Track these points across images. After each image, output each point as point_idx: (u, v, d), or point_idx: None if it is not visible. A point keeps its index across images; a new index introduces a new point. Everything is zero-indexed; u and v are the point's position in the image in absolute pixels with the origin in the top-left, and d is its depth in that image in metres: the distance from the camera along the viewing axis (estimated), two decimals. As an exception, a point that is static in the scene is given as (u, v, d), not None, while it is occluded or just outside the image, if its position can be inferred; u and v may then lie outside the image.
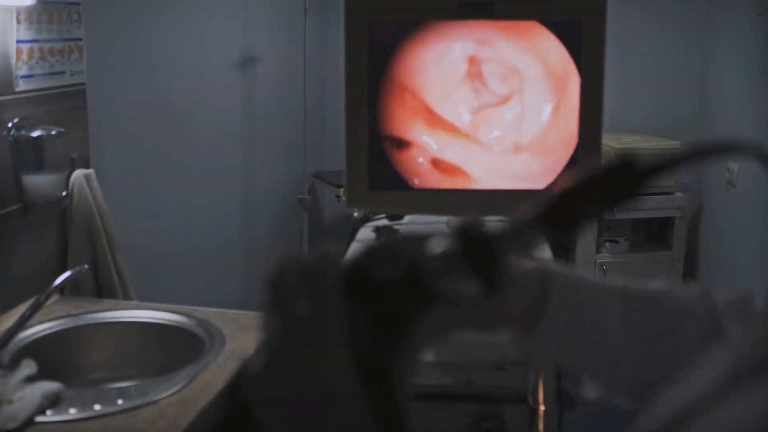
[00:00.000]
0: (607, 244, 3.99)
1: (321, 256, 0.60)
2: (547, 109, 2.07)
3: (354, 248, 2.23)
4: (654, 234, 4.12)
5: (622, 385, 0.74)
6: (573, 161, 2.07)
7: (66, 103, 2.11)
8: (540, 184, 2.12)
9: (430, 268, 0.59)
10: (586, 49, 2.00)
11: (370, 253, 0.61)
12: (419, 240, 0.61)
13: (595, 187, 0.59)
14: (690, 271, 4.11)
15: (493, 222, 0.61)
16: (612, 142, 3.84)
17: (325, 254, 0.60)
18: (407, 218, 2.39)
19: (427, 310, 0.59)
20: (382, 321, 0.59)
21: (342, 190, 3.52)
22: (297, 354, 0.58)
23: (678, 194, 3.95)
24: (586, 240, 3.91)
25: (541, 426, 1.85)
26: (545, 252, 2.18)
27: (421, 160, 2.09)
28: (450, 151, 2.07)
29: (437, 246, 0.60)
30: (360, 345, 0.58)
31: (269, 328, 0.60)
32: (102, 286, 2.14)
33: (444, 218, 2.29)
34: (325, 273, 0.59)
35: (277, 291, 0.60)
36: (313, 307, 0.58)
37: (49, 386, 1.54)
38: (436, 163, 2.09)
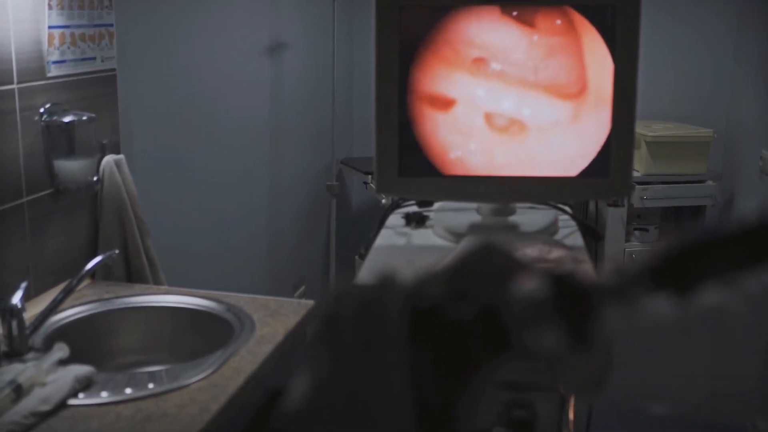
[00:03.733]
0: (636, 233, 3.96)
1: (382, 283, 0.52)
2: (580, 95, 2.05)
3: (384, 236, 2.22)
4: (685, 223, 4.08)
5: (691, 407, 0.70)
6: (605, 148, 2.05)
7: (97, 88, 2.12)
8: (571, 171, 2.10)
9: (513, 311, 0.51)
10: (620, 35, 1.98)
11: (439, 284, 0.53)
12: (500, 276, 0.53)
13: (728, 246, 0.50)
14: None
15: (589, 270, 0.53)
16: (643, 129, 3.80)
17: (386, 282, 0.52)
18: (437, 205, 2.38)
19: (501, 358, 0.52)
20: (450, 365, 0.51)
21: (370, 176, 3.51)
22: (350, 396, 0.51)
23: (710, 183, 3.91)
24: (616, 228, 3.87)
25: (571, 414, 1.84)
26: (577, 240, 2.17)
27: (471, 117, 2.06)
28: (504, 101, 2.05)
29: (523, 287, 0.52)
30: (423, 390, 0.51)
31: (318, 364, 0.53)
32: (132, 271, 2.16)
33: (474, 205, 2.28)
34: (387, 305, 0.51)
35: (330, 324, 0.53)
36: (371, 344, 0.51)
37: (81, 370, 1.55)
38: (490, 118, 2.07)
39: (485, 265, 0.53)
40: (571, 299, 0.51)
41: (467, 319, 0.51)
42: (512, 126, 2.07)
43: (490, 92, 2.05)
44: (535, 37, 2.03)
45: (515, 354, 0.51)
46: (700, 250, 0.51)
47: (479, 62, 2.04)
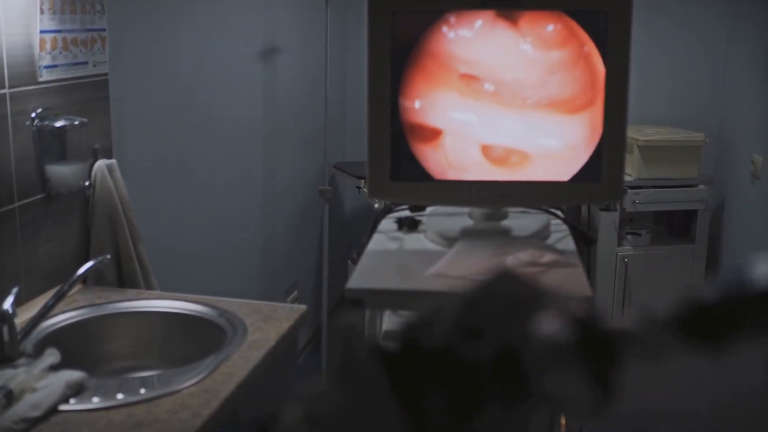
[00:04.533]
0: (629, 237, 3.96)
1: (350, 337, 0.50)
2: (571, 100, 2.05)
3: (377, 240, 2.22)
4: (676, 227, 4.09)
5: (696, 427, 0.68)
6: (597, 153, 2.05)
7: (88, 93, 2.12)
8: (564, 176, 2.10)
9: (533, 354, 0.48)
10: (611, 40, 1.98)
11: (451, 317, 0.50)
12: (518, 312, 0.49)
13: (761, 300, 0.47)
14: (712, 264, 4.07)
15: (615, 316, 0.49)
16: (635, 134, 3.81)
17: (354, 335, 0.51)
18: (429, 209, 2.38)
19: (518, 406, 0.48)
20: (463, 410, 0.48)
21: (363, 181, 3.51)
22: None
23: (701, 187, 3.92)
24: (608, 232, 3.88)
25: (563, 419, 1.84)
26: (569, 244, 2.17)
27: (465, 147, 2.06)
28: (499, 127, 2.05)
29: (545, 328, 0.48)
30: None
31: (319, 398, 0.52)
32: (124, 276, 2.15)
33: (466, 209, 2.28)
34: (359, 357, 0.50)
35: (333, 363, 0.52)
36: (359, 388, 0.49)
37: (73, 375, 1.54)
38: (487, 150, 2.07)
39: (504, 298, 0.50)
40: (595, 345, 0.48)
41: (482, 360, 0.48)
42: (512, 156, 2.08)
43: (483, 117, 2.06)
44: (528, 48, 2.03)
45: (533, 402, 0.48)
46: (732, 304, 0.48)
47: (469, 80, 2.04)
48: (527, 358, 0.47)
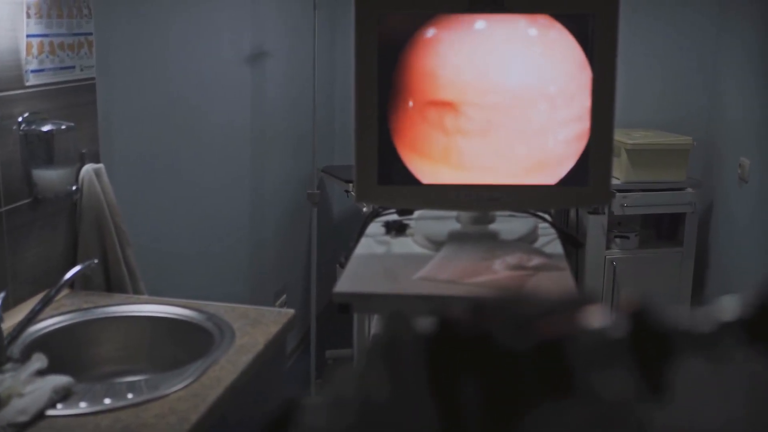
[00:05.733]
0: (617, 240, 3.97)
1: (393, 324, 0.48)
2: (558, 103, 2.06)
3: (364, 244, 2.22)
4: (664, 230, 4.10)
5: None
6: (584, 156, 2.06)
7: (76, 97, 2.11)
8: (550, 179, 2.11)
9: (580, 350, 0.45)
10: (598, 44, 1.99)
11: (491, 308, 0.47)
12: (565, 305, 0.47)
13: None
14: (700, 267, 4.09)
15: (677, 311, 0.46)
16: (622, 137, 3.82)
17: (398, 322, 0.48)
18: (417, 213, 2.38)
19: (559, 401, 0.45)
20: (499, 402, 0.45)
21: (351, 184, 3.51)
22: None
23: (689, 190, 3.93)
24: (596, 235, 3.89)
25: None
26: (557, 248, 2.17)
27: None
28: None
29: (595, 322, 0.46)
30: (468, 427, 0.45)
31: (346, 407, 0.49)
32: (112, 281, 2.15)
33: (453, 213, 2.28)
34: (402, 348, 0.47)
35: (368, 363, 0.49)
36: (394, 382, 0.46)
37: (60, 380, 1.54)
38: (474, 155, 2.07)
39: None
40: (649, 342, 0.45)
41: (522, 350, 0.45)
42: (499, 161, 2.08)
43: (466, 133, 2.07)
44: (517, 53, 2.03)
45: (579, 399, 0.45)
46: None
47: (445, 107, 2.05)
48: (573, 351, 0.45)
